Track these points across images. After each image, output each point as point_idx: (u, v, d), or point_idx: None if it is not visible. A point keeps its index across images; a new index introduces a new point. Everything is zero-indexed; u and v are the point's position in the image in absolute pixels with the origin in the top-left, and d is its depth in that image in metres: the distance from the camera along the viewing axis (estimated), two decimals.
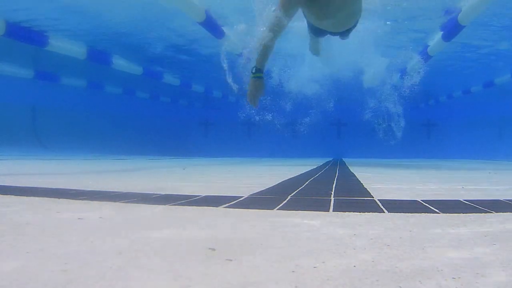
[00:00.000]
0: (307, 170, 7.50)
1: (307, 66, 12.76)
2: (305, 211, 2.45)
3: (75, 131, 20.56)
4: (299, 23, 7.52)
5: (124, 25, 13.31)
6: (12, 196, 3.05)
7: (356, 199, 3.07)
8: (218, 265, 1.34)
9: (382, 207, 2.66)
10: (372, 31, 10.71)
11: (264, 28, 5.79)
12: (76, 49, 14.08)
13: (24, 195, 3.07)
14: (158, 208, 2.55)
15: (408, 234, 1.85)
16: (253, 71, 5.86)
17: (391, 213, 2.41)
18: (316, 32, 6.91)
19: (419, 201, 2.95)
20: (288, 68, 12.45)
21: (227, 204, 2.71)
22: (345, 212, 2.44)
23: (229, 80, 7.00)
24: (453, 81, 19.86)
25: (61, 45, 13.40)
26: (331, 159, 17.17)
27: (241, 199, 3.00)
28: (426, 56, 12.44)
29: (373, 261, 1.40)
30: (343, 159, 17.36)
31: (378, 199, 3.04)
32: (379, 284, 1.17)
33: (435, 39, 11.90)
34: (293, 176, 5.76)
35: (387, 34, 12.32)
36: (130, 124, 23.92)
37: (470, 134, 23.16)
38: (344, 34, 6.89)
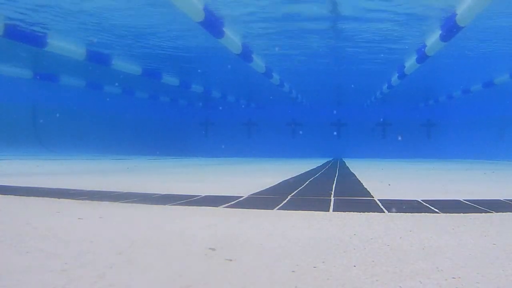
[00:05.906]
0: (306, 170, 7.49)
1: None
2: (305, 211, 2.46)
3: (75, 131, 20.54)
4: None
5: None
6: (12, 196, 3.05)
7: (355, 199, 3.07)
8: (218, 265, 1.34)
9: (382, 207, 2.66)
10: None
11: None
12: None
13: (24, 195, 3.07)
14: (158, 208, 2.55)
15: (409, 233, 1.85)
16: None
17: (391, 213, 2.41)
18: None
19: (419, 201, 2.95)
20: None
21: (227, 204, 2.71)
22: (344, 212, 2.44)
23: None
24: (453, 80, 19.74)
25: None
26: (331, 159, 17.15)
27: (240, 199, 3.00)
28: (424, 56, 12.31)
29: (373, 261, 1.40)
30: (343, 159, 17.33)
31: (378, 199, 3.04)
32: (379, 283, 1.17)
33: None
34: (293, 176, 5.76)
35: None
36: (129, 124, 23.82)
37: (470, 134, 23.13)
38: None
